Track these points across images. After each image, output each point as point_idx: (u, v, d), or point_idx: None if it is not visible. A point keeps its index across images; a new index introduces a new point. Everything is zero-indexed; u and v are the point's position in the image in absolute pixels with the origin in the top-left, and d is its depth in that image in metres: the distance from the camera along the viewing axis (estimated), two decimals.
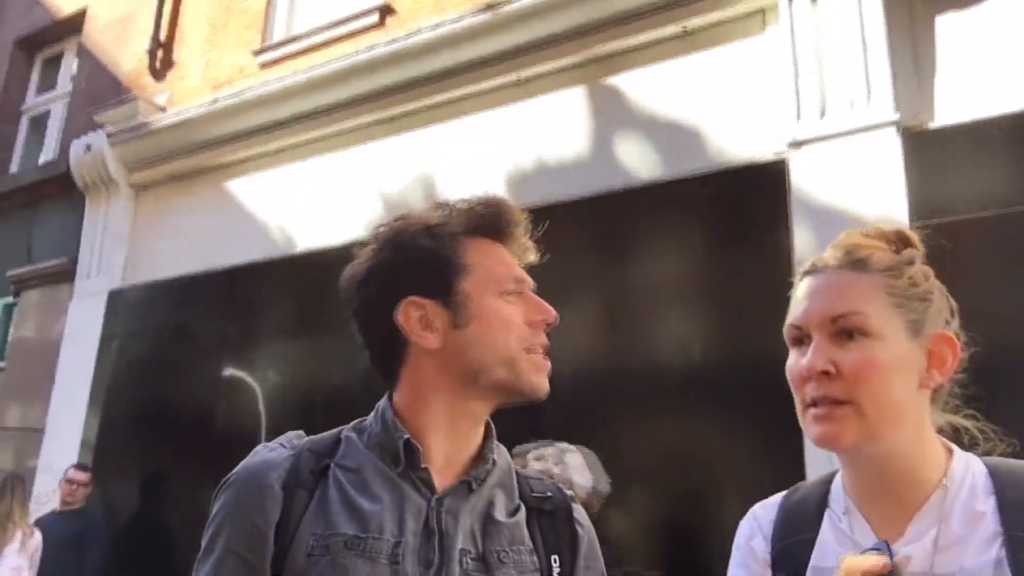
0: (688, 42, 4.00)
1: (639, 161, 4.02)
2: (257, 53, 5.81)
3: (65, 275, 6.33)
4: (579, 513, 1.13)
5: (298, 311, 5.04)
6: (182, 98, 6.13)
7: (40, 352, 6.31)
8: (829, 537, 0.96)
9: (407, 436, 1.03)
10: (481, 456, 1.07)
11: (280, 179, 5.43)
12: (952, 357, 0.94)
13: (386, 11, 5.20)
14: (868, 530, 0.94)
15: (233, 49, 6.03)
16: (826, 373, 0.92)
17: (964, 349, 0.98)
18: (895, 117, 3.27)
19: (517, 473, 1.13)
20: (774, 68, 3.68)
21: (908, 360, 0.92)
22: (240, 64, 5.91)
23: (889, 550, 0.88)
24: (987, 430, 1.01)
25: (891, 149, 3.26)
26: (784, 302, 3.31)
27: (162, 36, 6.50)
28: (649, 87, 4.07)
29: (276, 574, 0.96)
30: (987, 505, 0.89)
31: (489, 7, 4.42)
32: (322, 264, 4.81)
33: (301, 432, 1.10)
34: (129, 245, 6.13)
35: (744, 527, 1.07)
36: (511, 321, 1.05)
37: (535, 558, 1.04)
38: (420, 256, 1.05)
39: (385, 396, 1.10)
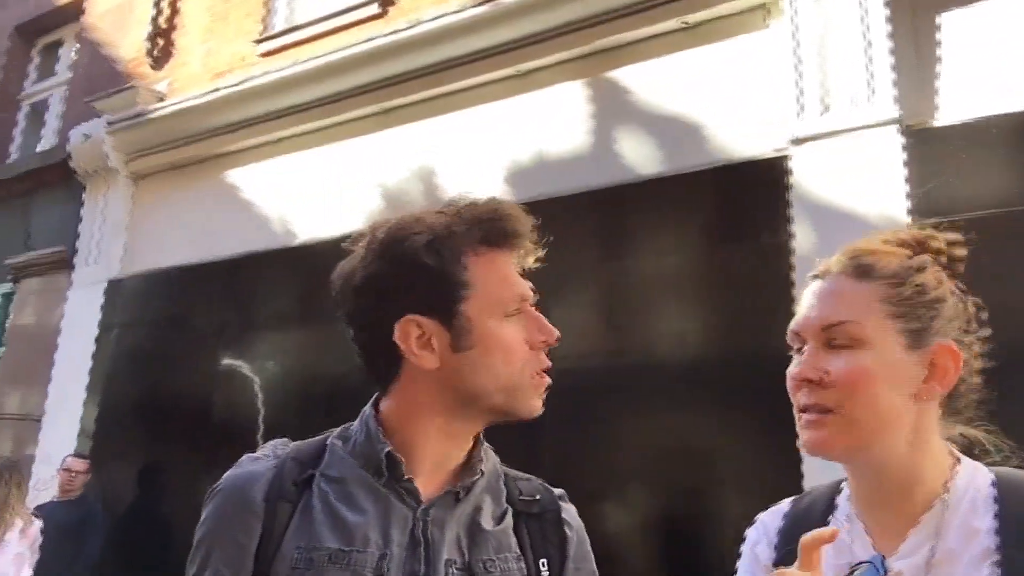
0: (689, 36, 3.98)
1: (639, 156, 4.01)
2: (257, 42, 5.79)
3: (64, 263, 6.32)
4: (568, 513, 1.11)
5: (297, 302, 5.04)
6: (182, 87, 6.11)
7: (39, 340, 6.31)
8: (827, 547, 0.94)
9: (389, 448, 1.01)
10: (469, 464, 1.05)
11: (279, 169, 5.41)
12: (954, 369, 0.92)
13: (387, 1, 5.18)
14: (867, 541, 0.94)
15: (233, 38, 6.00)
16: (815, 381, 0.92)
17: (980, 359, 0.97)
18: (897, 115, 3.26)
19: (505, 475, 1.11)
20: (776, 64, 3.66)
21: (902, 371, 0.91)
22: (240, 53, 5.89)
23: (883, 564, 0.88)
24: (999, 443, 0.99)
25: (893, 147, 3.25)
26: (783, 298, 3.31)
27: (162, 24, 6.47)
28: (650, 81, 4.06)
29: None
30: (985, 521, 0.87)
31: None
32: (321, 255, 4.80)
33: (286, 440, 1.09)
34: (128, 234, 6.12)
35: (751, 533, 1.07)
36: (513, 347, 1.02)
37: (522, 564, 1.02)
38: (422, 273, 1.00)
39: (371, 402, 1.08)
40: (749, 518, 1.12)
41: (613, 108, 4.16)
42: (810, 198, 3.40)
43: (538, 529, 1.07)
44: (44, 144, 7.41)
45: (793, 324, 0.98)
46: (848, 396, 0.90)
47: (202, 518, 1.00)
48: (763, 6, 3.80)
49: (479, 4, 4.44)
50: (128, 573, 5.11)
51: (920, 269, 0.94)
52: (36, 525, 4.25)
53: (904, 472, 0.92)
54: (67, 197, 6.51)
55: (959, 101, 3.24)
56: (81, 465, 4.94)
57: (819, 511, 1.01)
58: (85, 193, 6.32)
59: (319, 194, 5.09)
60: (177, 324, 5.61)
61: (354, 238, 1.08)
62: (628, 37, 4.12)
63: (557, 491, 1.14)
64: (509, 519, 1.06)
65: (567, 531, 1.09)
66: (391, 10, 5.14)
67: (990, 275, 1.00)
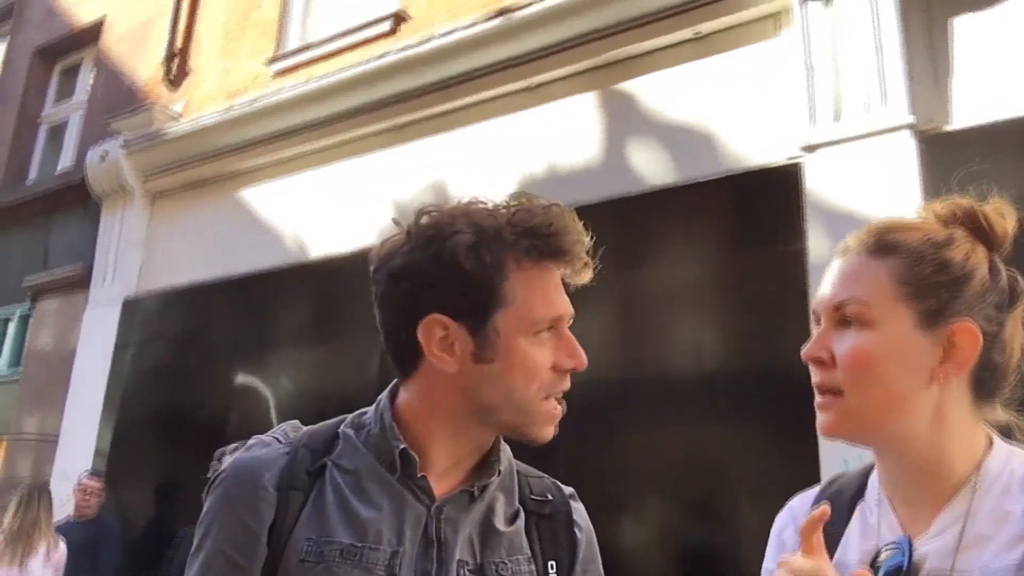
0: (701, 46, 3.98)
1: (653, 166, 4.00)
2: (271, 61, 5.85)
3: (81, 283, 6.38)
4: (578, 515, 1.09)
5: (311, 318, 5.06)
6: (197, 106, 6.18)
7: (57, 360, 6.35)
8: (855, 531, 0.94)
9: (403, 446, 0.98)
10: (486, 464, 1.03)
11: (294, 186, 5.45)
12: (971, 349, 0.89)
13: (399, 18, 5.22)
14: (896, 524, 0.92)
15: (248, 58, 6.07)
16: (819, 360, 0.92)
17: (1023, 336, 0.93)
18: (910, 120, 3.24)
19: (518, 472, 1.09)
20: (788, 71, 3.65)
21: (911, 353, 0.88)
22: (255, 72, 5.95)
23: (910, 547, 0.86)
24: None
25: (906, 152, 3.22)
26: (799, 306, 3.27)
27: (178, 45, 6.56)
28: (662, 91, 4.06)
29: None
30: (1019, 504, 0.84)
31: (501, 13, 4.43)
32: (335, 271, 4.82)
33: (297, 423, 1.06)
34: (144, 252, 6.17)
35: (779, 519, 1.05)
36: (537, 367, 0.97)
37: (532, 567, 1.01)
38: (459, 276, 0.95)
39: (387, 391, 1.05)
40: (766, 530, 1.10)
41: (626, 119, 4.16)
42: (824, 205, 3.37)
43: (549, 530, 1.05)
44: (62, 165, 7.50)
45: (813, 302, 0.98)
46: (851, 378, 0.89)
47: (207, 505, 0.96)
48: (774, 15, 3.80)
49: (490, 19, 4.46)
50: None
51: (946, 244, 0.91)
52: (61, 549, 4.27)
53: (928, 454, 0.90)
54: (85, 217, 6.58)
55: (973, 105, 3.22)
56: (96, 484, 4.96)
57: (849, 495, 0.99)
58: (102, 212, 6.39)
59: (333, 210, 5.11)
60: (192, 341, 5.64)
61: (396, 228, 1.04)
62: (640, 48, 4.13)
63: (568, 490, 1.12)
64: (521, 520, 1.04)
65: (577, 533, 1.07)
66: (403, 27, 5.18)
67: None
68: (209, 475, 1.00)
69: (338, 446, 1.01)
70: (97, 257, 6.31)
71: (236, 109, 5.57)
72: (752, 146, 3.70)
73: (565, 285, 1.03)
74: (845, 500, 0.98)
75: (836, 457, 3.01)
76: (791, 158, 3.54)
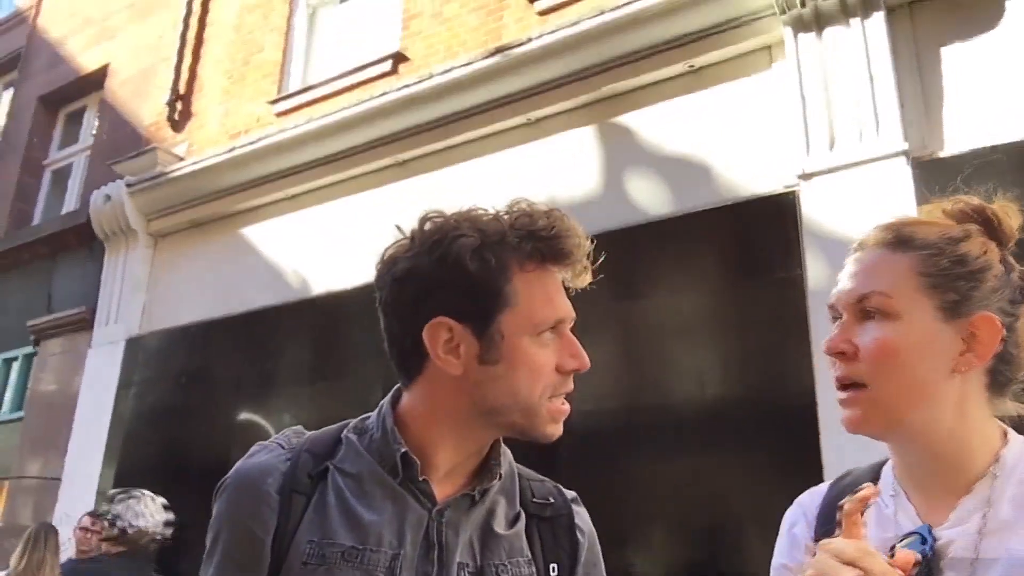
0: (696, 79, 4.04)
1: (650, 197, 4.04)
2: (273, 102, 5.93)
3: (85, 324, 6.39)
4: (580, 518, 1.10)
5: (314, 354, 5.06)
6: (200, 148, 6.25)
7: (59, 402, 6.34)
8: (871, 522, 0.93)
9: (404, 449, 0.99)
10: (487, 468, 1.04)
11: (296, 224, 5.49)
12: (992, 340, 0.90)
13: (399, 58, 5.31)
14: (913, 513, 0.92)
15: (250, 99, 6.16)
16: (842, 353, 0.92)
17: None
18: (904, 147, 3.28)
19: (520, 475, 1.10)
20: (782, 102, 3.71)
21: (935, 343, 0.90)
22: (257, 113, 6.03)
23: (931, 534, 0.86)
24: None
25: (901, 179, 3.26)
26: (799, 333, 3.29)
27: (181, 88, 6.65)
28: (658, 124, 4.11)
29: None
30: None
31: (499, 51, 4.50)
32: (338, 307, 4.84)
33: (300, 428, 1.07)
34: (147, 292, 6.20)
35: (788, 515, 1.06)
36: (541, 368, 0.99)
37: (533, 569, 1.01)
38: (464, 278, 0.98)
39: (389, 396, 1.06)
40: (769, 557, 1.10)
41: (623, 152, 4.21)
42: (821, 232, 3.40)
43: (550, 533, 1.06)
44: (67, 208, 7.57)
45: (830, 296, 0.98)
46: (876, 369, 0.90)
47: (215, 513, 0.98)
48: (767, 47, 3.86)
49: (487, 56, 4.54)
50: None
51: (962, 239, 0.93)
52: None
53: (951, 446, 0.90)
54: (88, 259, 6.62)
55: (966, 131, 3.26)
56: (97, 524, 4.93)
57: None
58: (105, 254, 6.43)
59: (335, 247, 5.15)
60: (195, 379, 5.63)
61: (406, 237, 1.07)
62: (636, 82, 4.19)
63: (570, 494, 1.13)
64: (522, 522, 1.05)
65: (579, 536, 1.08)
66: (403, 67, 5.27)
67: None
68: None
69: (340, 450, 1.02)
70: (101, 298, 6.33)
71: (238, 149, 5.64)
72: (748, 176, 3.74)
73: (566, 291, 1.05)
74: None
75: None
76: (787, 187, 3.57)
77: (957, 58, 3.36)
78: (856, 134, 3.43)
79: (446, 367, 0.99)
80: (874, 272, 0.94)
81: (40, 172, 8.08)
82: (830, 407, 3.08)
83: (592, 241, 1.06)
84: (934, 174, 3.25)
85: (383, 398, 1.09)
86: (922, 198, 3.19)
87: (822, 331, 3.21)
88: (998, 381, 0.94)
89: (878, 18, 3.46)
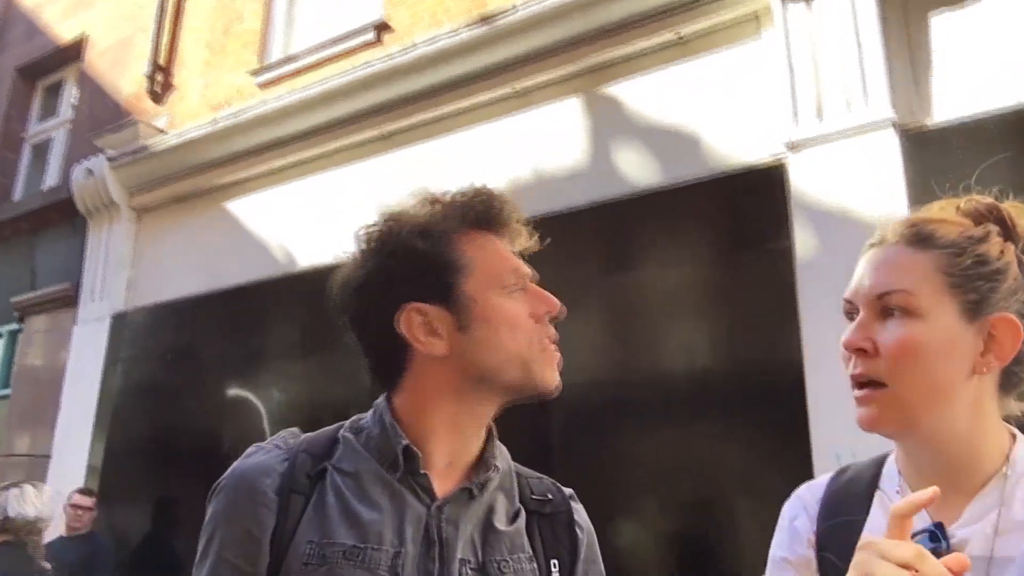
0: (684, 49, 4.00)
1: (638, 169, 4.02)
2: (255, 73, 5.84)
3: (69, 300, 6.34)
4: (579, 515, 1.10)
5: (301, 329, 5.04)
6: (182, 120, 6.16)
7: (46, 378, 6.31)
8: (880, 518, 0.93)
9: (406, 442, 0.99)
10: (483, 461, 1.04)
11: (280, 197, 5.44)
12: (1013, 342, 0.89)
13: (382, 28, 5.23)
14: (923, 512, 0.90)
15: (231, 70, 6.06)
16: (862, 351, 0.91)
17: None
18: (892, 116, 3.27)
19: (518, 473, 1.10)
20: (770, 71, 3.68)
21: (957, 343, 0.89)
22: (238, 85, 5.94)
23: (943, 532, 0.86)
24: None
25: (889, 148, 3.25)
26: (787, 304, 3.29)
27: (161, 60, 6.54)
28: (646, 95, 4.08)
29: None
30: None
31: (484, 20, 4.44)
32: (324, 281, 4.78)
33: (296, 430, 1.07)
34: (132, 268, 6.14)
35: (788, 507, 1.04)
36: (518, 319, 1.01)
37: (534, 565, 1.01)
38: (417, 260, 1.00)
39: (383, 397, 1.06)
40: (761, 526, 1.10)
41: (611, 123, 4.18)
42: (809, 203, 3.40)
43: (550, 529, 1.06)
44: (48, 183, 7.46)
45: (847, 292, 0.96)
46: (897, 367, 0.88)
47: (209, 513, 0.97)
48: (755, 16, 3.82)
49: (472, 26, 4.47)
50: None
51: (982, 239, 0.92)
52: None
53: (964, 448, 0.90)
54: (71, 234, 6.55)
55: (954, 100, 3.25)
56: (87, 501, 4.91)
57: (863, 484, 0.99)
58: (88, 229, 6.36)
59: (321, 220, 5.11)
60: (183, 356, 5.61)
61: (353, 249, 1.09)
62: (623, 52, 4.15)
63: (568, 491, 1.12)
64: (522, 519, 1.04)
65: (578, 532, 1.08)
66: (386, 36, 5.19)
67: None
68: None
69: (338, 450, 1.02)
70: (85, 274, 6.27)
71: (221, 122, 5.56)
72: (737, 146, 3.72)
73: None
74: (860, 489, 0.98)
75: (828, 452, 3.03)
76: (775, 157, 3.56)
77: (946, 26, 3.34)
78: (844, 104, 3.41)
79: (430, 349, 1.00)
80: (896, 269, 0.92)
81: (19, 146, 7.96)
82: (818, 379, 3.11)
83: (540, 238, 1.12)
84: (922, 144, 3.25)
85: (371, 374, 1.08)
86: (909, 168, 3.20)
87: (810, 301, 3.24)
88: (1010, 382, 0.94)
89: None
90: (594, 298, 3.99)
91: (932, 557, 0.72)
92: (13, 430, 6.48)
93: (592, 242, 4.05)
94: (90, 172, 6.20)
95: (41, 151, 7.88)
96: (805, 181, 3.43)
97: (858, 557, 0.75)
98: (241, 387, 5.26)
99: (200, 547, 0.96)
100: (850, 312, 0.96)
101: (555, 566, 1.03)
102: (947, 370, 0.89)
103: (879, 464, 1.00)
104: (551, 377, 1.02)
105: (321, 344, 4.75)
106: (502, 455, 1.08)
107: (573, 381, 3.96)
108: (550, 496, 1.09)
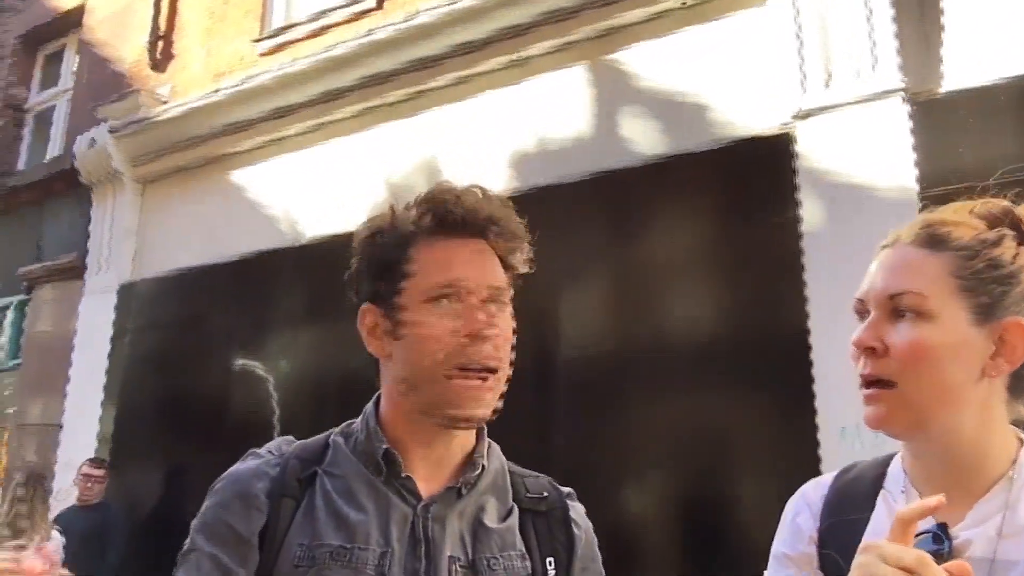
0: (688, 15, 3.95)
1: (643, 138, 3.99)
2: (257, 41, 5.78)
3: (76, 271, 6.36)
4: (575, 512, 1.09)
5: (307, 298, 5.06)
6: (184, 89, 6.12)
7: (55, 348, 6.35)
8: (883, 518, 0.93)
9: (386, 446, 1.00)
10: (471, 461, 1.04)
11: (285, 167, 5.42)
12: (1023, 346, 0.89)
13: None
14: None
15: (233, 38, 6.00)
16: (872, 350, 0.91)
17: None
18: (902, 85, 3.23)
19: (512, 472, 1.09)
20: (777, 38, 3.62)
21: (968, 346, 0.89)
22: (240, 53, 5.89)
23: (947, 534, 0.87)
24: None
25: (898, 117, 3.22)
26: (793, 275, 3.28)
27: (161, 28, 6.47)
28: (651, 63, 4.03)
29: None
30: None
31: None
32: (330, 251, 4.81)
33: (291, 438, 1.08)
34: (137, 238, 6.15)
35: (791, 505, 1.05)
36: (435, 335, 0.96)
37: (527, 563, 1.01)
38: (372, 261, 1.02)
39: (373, 400, 1.08)
40: (766, 498, 1.11)
41: (615, 91, 4.13)
42: (816, 173, 3.37)
43: (545, 528, 1.05)
44: (51, 153, 7.44)
45: (859, 292, 0.96)
46: (907, 368, 0.89)
47: (202, 509, 0.99)
48: None
49: None
50: None
51: (996, 243, 0.92)
52: (55, 538, 4.25)
53: (972, 451, 0.90)
54: (76, 205, 6.54)
55: (964, 68, 3.20)
56: (97, 472, 4.96)
57: (867, 483, 0.99)
58: (93, 200, 6.35)
59: (326, 190, 5.09)
60: (189, 326, 5.64)
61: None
62: (627, 19, 4.09)
63: (565, 489, 1.12)
64: (515, 517, 1.04)
65: (575, 530, 1.07)
66: (388, 3, 5.12)
67: None
68: None
69: (328, 455, 1.03)
70: (91, 245, 6.29)
71: (223, 91, 5.52)
72: (743, 115, 3.69)
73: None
74: (864, 489, 0.99)
75: (833, 423, 3.05)
76: (782, 126, 3.53)
77: None
78: (853, 72, 3.36)
79: (374, 351, 1.03)
80: (908, 270, 0.92)
81: (22, 116, 7.92)
82: (824, 350, 3.11)
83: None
84: (932, 112, 3.21)
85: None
86: (919, 137, 3.16)
87: (816, 272, 3.23)
88: (1020, 387, 0.94)
89: None
90: (599, 269, 3.99)
91: (934, 563, 0.72)
92: (25, 400, 6.55)
93: (597, 212, 4.04)
94: (93, 142, 6.18)
95: (44, 120, 7.84)
96: (812, 150, 3.40)
97: (860, 559, 0.75)
98: (248, 357, 5.29)
99: (189, 539, 0.98)
100: (861, 312, 0.96)
101: (551, 564, 1.02)
102: (957, 372, 0.89)
103: (884, 464, 1.01)
104: (468, 412, 0.97)
105: (327, 313, 4.76)
106: (494, 454, 1.08)
107: (578, 354, 3.98)
108: (545, 494, 1.08)
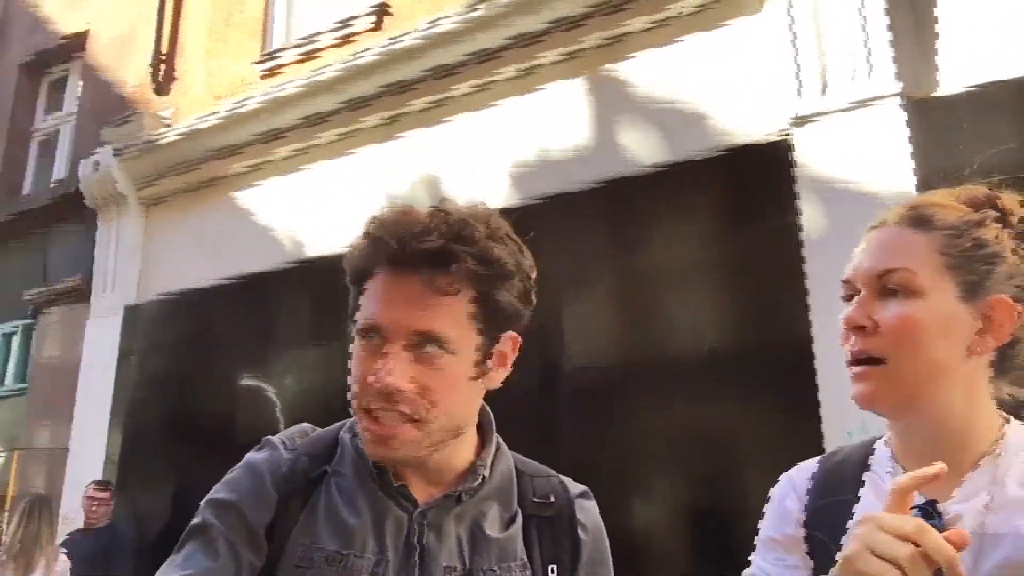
0: (685, 24, 3.97)
1: (643, 147, 4.01)
2: (258, 62, 5.83)
3: (82, 294, 6.39)
4: (583, 514, 1.06)
5: (312, 315, 5.07)
6: (186, 111, 6.17)
7: (62, 371, 6.37)
8: (871, 498, 0.94)
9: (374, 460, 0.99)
10: (473, 469, 1.02)
11: (287, 185, 5.45)
12: (1009, 323, 0.91)
13: (383, 12, 5.21)
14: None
15: (234, 59, 6.06)
16: (862, 328, 0.92)
17: None
18: (897, 88, 3.24)
19: (522, 474, 1.07)
20: (773, 45, 3.65)
21: (955, 323, 0.90)
22: (241, 74, 5.94)
23: (937, 509, 0.88)
24: None
25: (895, 120, 3.23)
26: (795, 279, 3.28)
27: (163, 50, 6.54)
28: (649, 72, 4.06)
29: None
30: None
31: (484, 1, 4.42)
32: (334, 268, 4.80)
33: (306, 427, 1.07)
34: (142, 260, 6.18)
35: (778, 488, 1.06)
36: (353, 372, 0.95)
37: (527, 573, 0.99)
38: (348, 285, 1.00)
39: None
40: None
41: (614, 101, 4.16)
42: (815, 177, 3.38)
43: (549, 533, 1.03)
44: (56, 177, 7.49)
45: (846, 272, 0.98)
46: (897, 344, 0.90)
47: (214, 490, 0.98)
48: None
49: (473, 7, 4.45)
50: None
51: (980, 224, 0.94)
52: (63, 561, 4.25)
53: (958, 427, 0.91)
54: (81, 228, 6.58)
55: (960, 70, 3.21)
56: (103, 494, 4.92)
57: (853, 466, 1.00)
58: (98, 222, 6.39)
59: (328, 207, 5.12)
60: (195, 346, 5.66)
61: None
62: (624, 30, 4.12)
63: (578, 489, 1.10)
64: (518, 524, 1.02)
65: (580, 534, 1.05)
66: (387, 21, 5.17)
67: None
68: None
69: (338, 453, 1.02)
70: (96, 267, 6.32)
71: (225, 112, 5.57)
72: (741, 122, 3.70)
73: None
74: (850, 471, 1.00)
75: (839, 427, 3.04)
76: (781, 132, 3.54)
77: None
78: (849, 76, 3.38)
79: None
80: (897, 249, 0.94)
81: (27, 141, 7.99)
82: (827, 353, 3.11)
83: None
84: (928, 114, 3.22)
85: None
86: (916, 140, 3.18)
87: (818, 277, 3.24)
88: (1004, 365, 0.95)
89: None
90: (602, 277, 4.00)
91: (933, 531, 0.73)
92: (33, 424, 6.56)
93: (599, 222, 4.05)
94: (97, 165, 6.23)
95: (48, 145, 7.91)
96: (811, 155, 3.41)
97: (857, 531, 0.76)
98: (254, 376, 5.30)
99: (197, 518, 0.97)
100: (848, 293, 0.97)
101: (553, 571, 1.01)
102: (945, 348, 0.90)
103: (869, 447, 1.02)
104: (372, 451, 0.94)
105: (331, 330, 4.78)
106: (501, 459, 1.06)
107: (583, 363, 3.98)
108: (552, 498, 1.06)
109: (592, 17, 4.15)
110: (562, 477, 1.11)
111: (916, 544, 0.72)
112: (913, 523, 0.73)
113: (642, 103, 4.05)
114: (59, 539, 4.61)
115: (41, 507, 4.33)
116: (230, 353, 5.44)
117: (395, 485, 0.98)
